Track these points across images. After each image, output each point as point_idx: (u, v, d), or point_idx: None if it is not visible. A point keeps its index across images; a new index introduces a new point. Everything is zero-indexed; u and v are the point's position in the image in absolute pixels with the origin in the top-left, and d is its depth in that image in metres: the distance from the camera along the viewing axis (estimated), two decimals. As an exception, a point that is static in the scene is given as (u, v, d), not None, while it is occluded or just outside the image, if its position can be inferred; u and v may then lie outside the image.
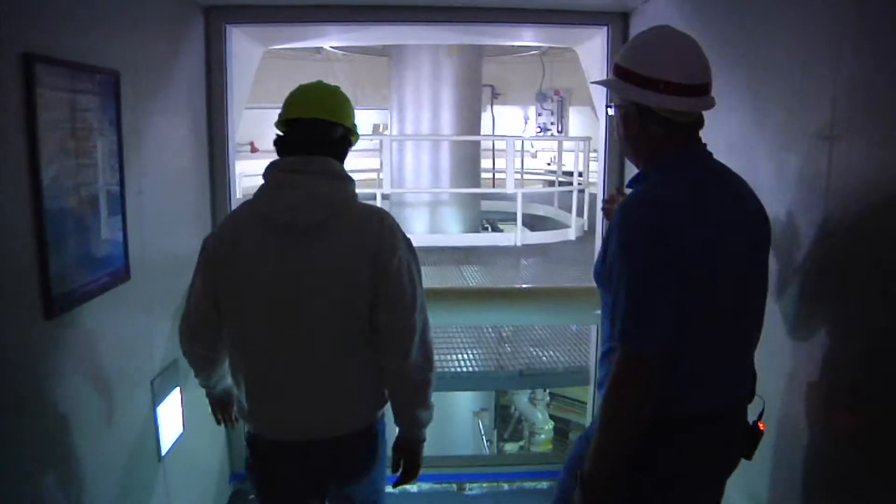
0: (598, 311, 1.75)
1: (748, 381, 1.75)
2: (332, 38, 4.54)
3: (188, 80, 3.31)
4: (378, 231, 1.88)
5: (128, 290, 2.55)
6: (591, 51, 4.10)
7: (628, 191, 1.72)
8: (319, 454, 1.98)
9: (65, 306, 2.10)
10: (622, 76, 1.63)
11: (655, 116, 1.60)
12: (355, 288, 1.87)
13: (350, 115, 2.01)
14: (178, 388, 3.04)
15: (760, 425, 1.75)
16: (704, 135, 2.68)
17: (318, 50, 12.04)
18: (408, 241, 1.95)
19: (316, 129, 1.92)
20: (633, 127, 1.64)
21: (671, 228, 1.50)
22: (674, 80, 1.56)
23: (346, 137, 1.99)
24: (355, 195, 1.96)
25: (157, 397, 2.82)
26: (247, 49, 4.39)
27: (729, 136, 2.53)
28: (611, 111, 1.74)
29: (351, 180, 1.96)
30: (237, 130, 4.12)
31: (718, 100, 2.60)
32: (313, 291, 1.87)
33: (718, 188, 1.65)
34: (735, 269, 1.59)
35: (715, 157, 2.53)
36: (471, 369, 4.61)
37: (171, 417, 2.98)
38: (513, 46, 11.69)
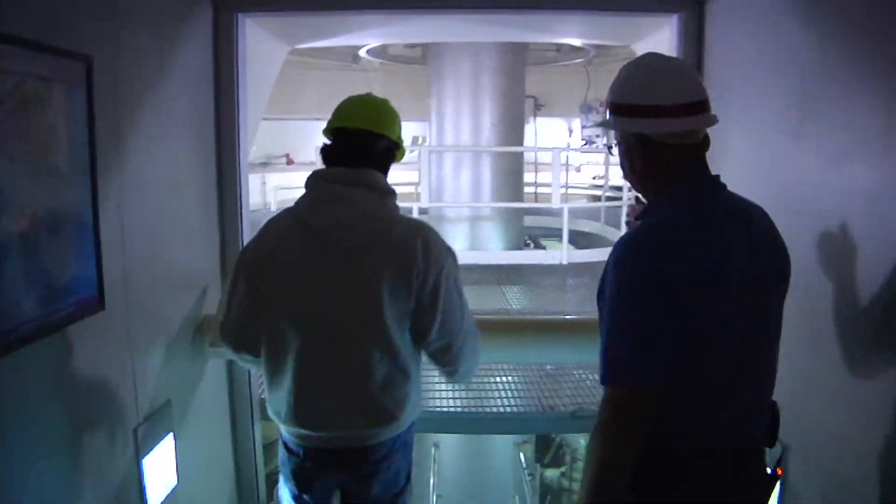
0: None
1: (760, 421, 1.64)
2: (362, 34, 4.11)
3: (191, 75, 2.89)
4: (423, 249, 1.88)
5: (101, 321, 2.11)
6: (655, 48, 3.58)
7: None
8: (348, 463, 1.99)
9: (8, 345, 1.67)
10: (617, 112, 1.62)
11: (660, 144, 1.57)
12: (397, 305, 1.87)
13: (396, 128, 2.02)
14: (170, 435, 2.59)
15: (779, 471, 1.69)
16: (808, 138, 2.25)
17: (356, 60, 11.69)
18: (451, 252, 1.97)
19: (360, 139, 1.94)
20: (637, 159, 1.61)
21: (665, 264, 1.46)
22: (667, 102, 1.54)
23: (390, 150, 2.01)
24: (398, 209, 1.97)
25: (142, 448, 2.37)
26: (267, 47, 3.98)
27: (849, 137, 2.00)
28: (613, 151, 1.72)
29: (394, 194, 1.97)
30: (253, 136, 3.71)
31: (827, 99, 2.07)
32: (355, 305, 1.88)
33: (725, 216, 1.58)
34: (738, 301, 1.52)
35: (825, 164, 2.04)
36: (512, 408, 4.05)
37: (161, 469, 2.53)
38: (556, 53, 11.20)
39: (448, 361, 1.99)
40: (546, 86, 14.08)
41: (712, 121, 1.60)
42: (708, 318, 1.49)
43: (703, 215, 1.54)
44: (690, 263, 1.47)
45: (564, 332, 2.94)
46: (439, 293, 1.88)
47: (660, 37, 3.56)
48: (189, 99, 2.88)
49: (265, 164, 13.07)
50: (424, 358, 2.04)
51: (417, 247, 1.87)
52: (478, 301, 6.36)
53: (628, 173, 1.67)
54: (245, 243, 3.15)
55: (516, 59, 9.05)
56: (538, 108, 14.44)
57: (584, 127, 15.35)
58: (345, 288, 1.87)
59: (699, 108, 1.57)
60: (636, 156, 1.61)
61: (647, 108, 1.56)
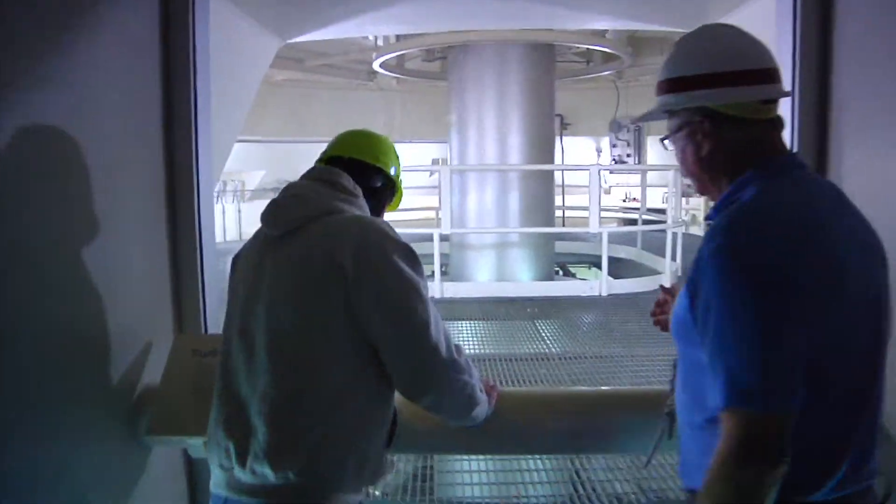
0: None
1: (875, 451, 1.37)
2: (363, 21, 3.33)
3: (126, 62, 2.12)
4: (358, 239, 1.55)
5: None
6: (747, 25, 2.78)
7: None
8: None
9: None
10: (675, 89, 1.44)
11: (731, 120, 1.40)
12: (320, 308, 1.53)
13: (392, 163, 1.85)
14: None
15: None
16: None
17: (371, 77, 11.03)
18: (405, 250, 1.58)
19: (354, 170, 1.75)
20: (706, 143, 1.42)
21: (785, 253, 1.24)
22: (744, 67, 1.39)
23: (386, 188, 1.84)
24: (353, 209, 1.67)
25: None
26: (256, 40, 3.21)
27: None
28: (668, 145, 1.52)
29: (356, 198, 1.70)
30: (227, 151, 2.93)
31: None
32: (267, 305, 1.57)
33: (828, 200, 1.38)
34: (861, 302, 1.31)
35: None
36: (539, 498, 3.15)
37: None
38: (586, 65, 10.44)
39: (417, 394, 1.58)
40: (573, 103, 13.45)
41: (786, 91, 1.47)
42: (834, 325, 1.28)
43: (806, 201, 1.35)
44: (808, 260, 1.25)
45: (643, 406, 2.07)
46: (382, 299, 1.52)
47: (752, 11, 2.74)
48: (126, 101, 2.13)
49: (277, 190, 12.43)
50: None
51: (350, 235, 1.55)
52: (510, 342, 5.54)
53: (692, 163, 1.46)
54: (206, 284, 2.43)
55: (545, 66, 8.29)
56: (564, 127, 13.81)
57: (613, 146, 14.66)
58: (263, 283, 1.60)
59: (774, 75, 1.42)
60: (703, 140, 1.43)
61: (713, 77, 1.40)
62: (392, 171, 1.84)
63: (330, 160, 1.80)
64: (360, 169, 1.77)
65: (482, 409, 1.74)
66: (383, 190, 1.83)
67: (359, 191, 1.71)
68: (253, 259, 1.67)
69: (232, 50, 2.74)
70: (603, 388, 3.69)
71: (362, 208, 1.70)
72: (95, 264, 1.92)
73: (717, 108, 1.39)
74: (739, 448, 1.22)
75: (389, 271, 1.53)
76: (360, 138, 1.85)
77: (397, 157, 1.88)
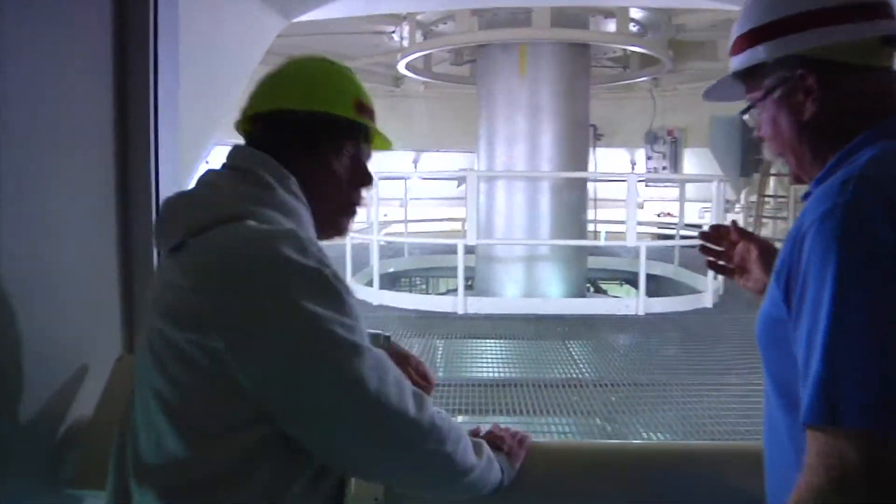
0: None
1: None
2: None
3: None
4: (240, 262, 1.04)
5: None
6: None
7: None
8: None
9: None
10: (768, 38, 1.15)
11: (842, 69, 1.11)
12: (195, 363, 1.03)
13: (316, 91, 1.22)
14: None
15: None
16: None
17: (397, 83, 10.68)
18: (318, 277, 1.04)
19: (252, 134, 1.24)
20: (810, 104, 1.13)
21: None
22: (833, 3, 1.11)
23: (309, 130, 1.21)
24: (264, 210, 1.12)
25: None
26: (254, 18, 2.84)
27: None
28: (750, 119, 1.25)
29: (273, 190, 1.15)
30: (203, 147, 2.55)
31: None
32: (143, 357, 1.13)
33: None
34: None
35: None
36: None
37: None
38: (623, 71, 9.96)
39: (361, 474, 1.20)
40: (606, 113, 13.04)
41: None
42: None
43: None
44: None
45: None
46: (281, 360, 1.02)
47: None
48: (64, 84, 1.74)
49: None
50: None
51: (232, 265, 1.05)
52: (538, 365, 5.06)
53: (790, 131, 1.16)
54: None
55: (579, 69, 7.86)
56: (598, 138, 13.36)
57: (648, 158, 14.16)
58: (145, 322, 1.19)
59: (888, 12, 1.12)
60: (806, 98, 1.12)
61: (816, 15, 1.11)
62: (312, 102, 1.22)
63: (251, 120, 1.24)
64: (258, 126, 1.23)
65: (483, 476, 1.24)
66: (304, 134, 1.21)
67: (282, 177, 1.17)
68: (152, 281, 1.24)
69: (224, 28, 2.35)
70: (674, 442, 3.09)
71: (280, 205, 1.14)
72: (15, 270, 1.52)
73: (823, 55, 1.11)
74: (828, 479, 0.95)
75: (289, 319, 1.03)
76: (278, 77, 1.25)
77: (352, 84, 1.24)
